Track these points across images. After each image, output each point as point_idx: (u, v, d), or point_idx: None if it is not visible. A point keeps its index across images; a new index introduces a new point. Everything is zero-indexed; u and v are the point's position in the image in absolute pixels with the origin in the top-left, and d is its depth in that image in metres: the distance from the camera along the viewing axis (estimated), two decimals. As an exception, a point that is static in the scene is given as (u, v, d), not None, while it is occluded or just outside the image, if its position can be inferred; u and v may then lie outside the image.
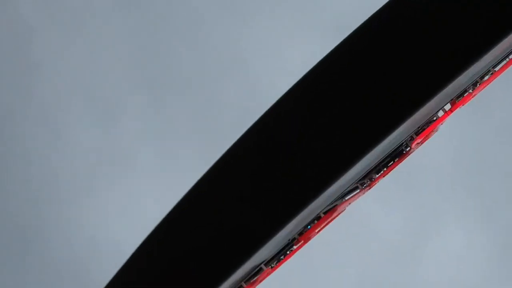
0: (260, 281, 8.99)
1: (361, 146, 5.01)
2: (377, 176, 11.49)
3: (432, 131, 10.94)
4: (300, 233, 7.79)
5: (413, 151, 13.44)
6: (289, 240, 7.25)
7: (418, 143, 11.41)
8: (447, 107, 8.62)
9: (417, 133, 8.59)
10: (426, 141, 15.13)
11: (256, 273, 8.41)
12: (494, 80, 15.61)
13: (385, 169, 11.39)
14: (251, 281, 8.20)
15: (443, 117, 8.25)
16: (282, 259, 11.71)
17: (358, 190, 11.18)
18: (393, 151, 11.37)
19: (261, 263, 7.39)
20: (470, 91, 10.51)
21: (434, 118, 8.16)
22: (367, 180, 11.38)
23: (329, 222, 12.31)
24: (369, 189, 13.80)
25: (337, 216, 13.12)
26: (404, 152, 11.35)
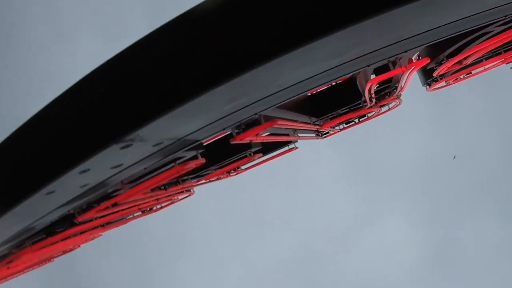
0: (192, 168, 9.19)
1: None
2: (329, 120, 11.77)
3: (390, 88, 11.14)
4: (238, 133, 7.91)
5: (371, 112, 13.65)
6: (223, 128, 7.40)
7: (374, 101, 11.59)
8: (404, 63, 8.77)
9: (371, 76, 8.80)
10: (389, 111, 15.36)
11: (191, 159, 8.64)
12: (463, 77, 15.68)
13: (337, 117, 11.66)
14: (183, 163, 8.44)
15: (397, 71, 8.39)
16: (225, 165, 12.02)
17: (309, 126, 11.43)
18: (349, 105, 11.58)
19: (195, 142, 7.53)
20: (434, 64, 10.68)
21: (389, 66, 8.26)
22: (320, 120, 11.66)
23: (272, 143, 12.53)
24: (321, 134, 14.07)
25: (283, 145, 13.36)
26: (360, 106, 11.61)
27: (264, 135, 9.36)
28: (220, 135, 11.54)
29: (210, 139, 11.39)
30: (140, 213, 13.92)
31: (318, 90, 11.73)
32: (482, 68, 16.23)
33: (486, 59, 13.28)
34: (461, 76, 16.00)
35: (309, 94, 11.67)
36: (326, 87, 11.70)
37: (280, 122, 8.42)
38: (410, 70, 8.91)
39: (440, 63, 10.61)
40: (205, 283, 67.69)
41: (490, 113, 61.19)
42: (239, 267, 67.69)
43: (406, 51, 7.79)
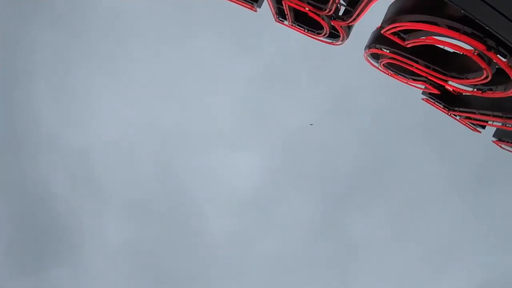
0: None
1: None
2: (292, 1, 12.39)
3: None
4: None
5: (321, 28, 14.45)
6: None
7: (333, 10, 12.35)
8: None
9: None
10: (330, 44, 16.26)
11: None
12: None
13: (299, 2, 12.34)
14: None
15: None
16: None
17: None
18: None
19: None
20: (386, 24, 11.53)
21: None
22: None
23: None
24: (279, 16, 14.65)
25: None
26: (321, 8, 12.37)
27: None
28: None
29: None
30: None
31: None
32: (408, 78, 17.57)
33: (421, 65, 14.21)
34: (392, 72, 17.20)
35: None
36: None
37: None
38: None
39: (390, 23, 11.49)
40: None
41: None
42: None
43: None
